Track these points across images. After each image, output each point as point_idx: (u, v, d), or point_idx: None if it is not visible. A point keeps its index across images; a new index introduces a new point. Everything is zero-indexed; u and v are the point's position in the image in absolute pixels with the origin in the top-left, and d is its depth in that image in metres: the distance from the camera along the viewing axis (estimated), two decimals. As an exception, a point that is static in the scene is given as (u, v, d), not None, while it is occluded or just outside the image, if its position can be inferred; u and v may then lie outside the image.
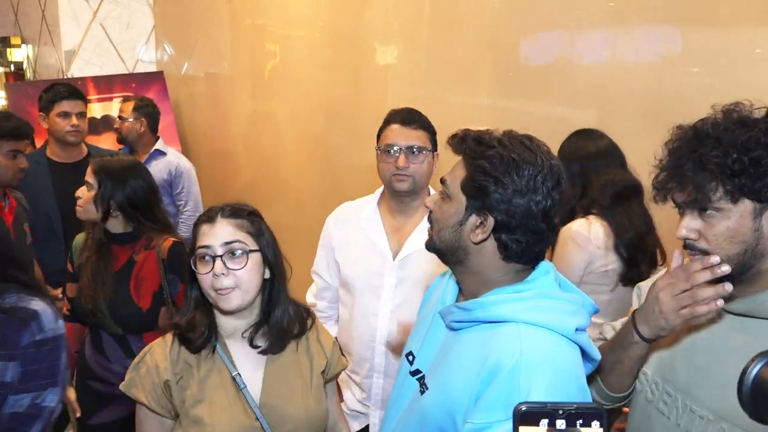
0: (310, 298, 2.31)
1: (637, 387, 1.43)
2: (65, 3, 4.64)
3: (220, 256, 1.52)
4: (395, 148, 2.02)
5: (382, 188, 2.15)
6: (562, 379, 1.15)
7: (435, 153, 2.08)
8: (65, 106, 3.17)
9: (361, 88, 3.44)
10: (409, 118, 2.07)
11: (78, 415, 2.38)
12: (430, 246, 1.34)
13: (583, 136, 2.34)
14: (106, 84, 4.55)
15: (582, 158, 2.29)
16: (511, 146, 1.23)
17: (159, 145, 3.89)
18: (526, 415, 0.82)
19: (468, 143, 1.27)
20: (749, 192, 1.18)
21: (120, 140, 3.85)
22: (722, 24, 2.07)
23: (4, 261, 1.53)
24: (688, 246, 1.27)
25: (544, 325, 1.20)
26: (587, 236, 2.23)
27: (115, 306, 2.26)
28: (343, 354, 1.82)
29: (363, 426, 2.18)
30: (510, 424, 1.09)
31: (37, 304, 1.50)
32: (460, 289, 1.36)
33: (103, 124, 4.52)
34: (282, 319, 1.61)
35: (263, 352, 1.59)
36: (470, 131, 1.29)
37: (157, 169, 3.78)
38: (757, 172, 1.17)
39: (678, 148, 1.25)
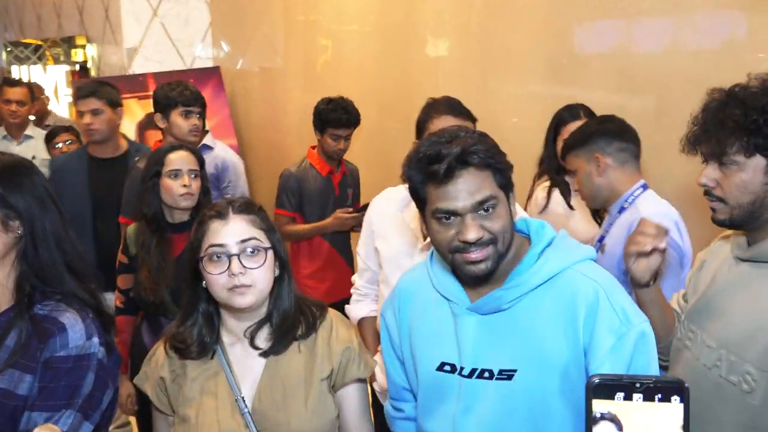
0: (355, 276, 2.36)
1: (675, 332, 1.58)
2: (127, 2, 4.81)
3: (237, 255, 1.40)
4: None
5: None
6: (626, 292, 1.33)
7: None
8: None
9: (413, 81, 3.44)
10: (458, 108, 2.02)
11: (135, 408, 2.42)
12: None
13: None
14: (166, 80, 4.69)
15: None
16: None
17: (207, 139, 3.96)
18: (600, 387, 0.77)
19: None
20: (763, 149, 1.32)
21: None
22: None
23: (63, 269, 1.43)
24: (707, 193, 1.42)
25: (586, 258, 1.34)
26: None
27: (177, 293, 2.26)
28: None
29: None
30: (628, 339, 1.21)
31: (68, 318, 1.38)
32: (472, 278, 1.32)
33: (164, 119, 4.66)
34: (286, 318, 1.48)
35: (263, 354, 1.47)
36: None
37: (206, 163, 3.87)
38: None
39: (709, 107, 1.40)
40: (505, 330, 1.32)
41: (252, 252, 1.42)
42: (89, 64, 5.72)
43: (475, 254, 1.27)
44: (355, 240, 3.40)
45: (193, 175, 2.32)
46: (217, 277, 1.40)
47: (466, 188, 1.25)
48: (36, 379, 1.34)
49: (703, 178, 1.41)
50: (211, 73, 4.79)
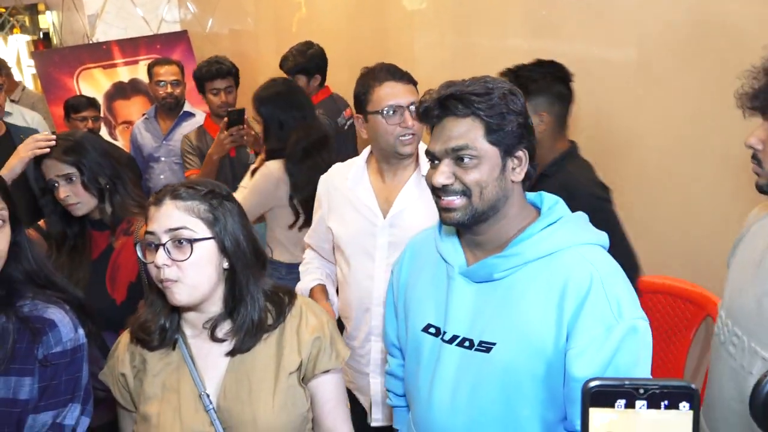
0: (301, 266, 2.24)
1: (714, 330, 1.44)
2: (85, -34, 4.60)
3: (163, 245, 1.32)
4: (401, 107, 1.86)
5: (368, 149, 2.03)
6: (629, 285, 1.25)
7: None
8: None
9: (388, 37, 3.34)
10: (399, 72, 1.91)
11: None
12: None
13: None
14: (131, 47, 4.52)
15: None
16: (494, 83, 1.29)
17: (187, 106, 3.86)
18: (599, 395, 0.68)
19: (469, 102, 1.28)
20: None
21: (174, 105, 3.76)
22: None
23: (21, 259, 1.36)
24: (753, 156, 1.31)
25: (594, 243, 1.28)
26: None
27: (88, 299, 1.98)
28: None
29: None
30: (616, 332, 1.17)
31: (54, 314, 1.35)
32: (472, 245, 1.36)
33: (131, 88, 4.50)
34: (251, 315, 1.39)
35: (231, 353, 1.39)
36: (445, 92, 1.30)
37: (188, 131, 3.76)
38: None
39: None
40: (493, 301, 1.29)
41: (182, 243, 1.33)
42: (51, 32, 5.51)
43: (444, 200, 1.29)
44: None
45: (65, 181, 1.99)
46: (150, 267, 1.35)
47: (445, 133, 1.28)
48: (35, 380, 1.31)
49: (751, 138, 1.28)
50: (179, 38, 4.62)
